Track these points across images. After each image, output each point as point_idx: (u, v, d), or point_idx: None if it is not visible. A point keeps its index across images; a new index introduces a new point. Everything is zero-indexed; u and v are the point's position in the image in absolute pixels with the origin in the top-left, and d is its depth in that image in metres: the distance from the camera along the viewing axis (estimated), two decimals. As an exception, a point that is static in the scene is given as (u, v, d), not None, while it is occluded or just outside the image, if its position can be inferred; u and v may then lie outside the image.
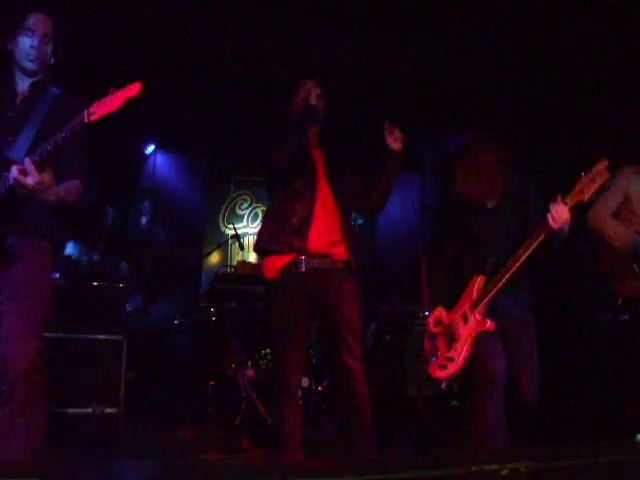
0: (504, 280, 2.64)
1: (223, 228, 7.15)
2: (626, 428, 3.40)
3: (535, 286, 2.95)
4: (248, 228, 7.22)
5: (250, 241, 7.17)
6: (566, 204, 2.61)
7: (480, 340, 2.67)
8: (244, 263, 5.88)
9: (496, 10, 4.28)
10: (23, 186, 2.11)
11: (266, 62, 5.20)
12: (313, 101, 2.79)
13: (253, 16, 4.62)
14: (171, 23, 4.68)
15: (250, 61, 5.17)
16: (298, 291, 2.68)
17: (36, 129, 2.31)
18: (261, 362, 4.36)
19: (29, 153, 2.20)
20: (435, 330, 2.80)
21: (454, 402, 4.71)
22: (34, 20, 2.37)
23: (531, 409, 2.75)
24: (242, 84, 5.47)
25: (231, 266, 6.61)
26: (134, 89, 2.05)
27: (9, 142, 2.28)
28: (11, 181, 2.12)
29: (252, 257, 7.05)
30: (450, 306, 2.79)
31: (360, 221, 7.15)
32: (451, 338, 2.72)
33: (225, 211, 7.20)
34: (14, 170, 2.11)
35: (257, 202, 7.30)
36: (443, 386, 2.74)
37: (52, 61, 2.45)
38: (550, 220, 2.58)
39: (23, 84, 2.42)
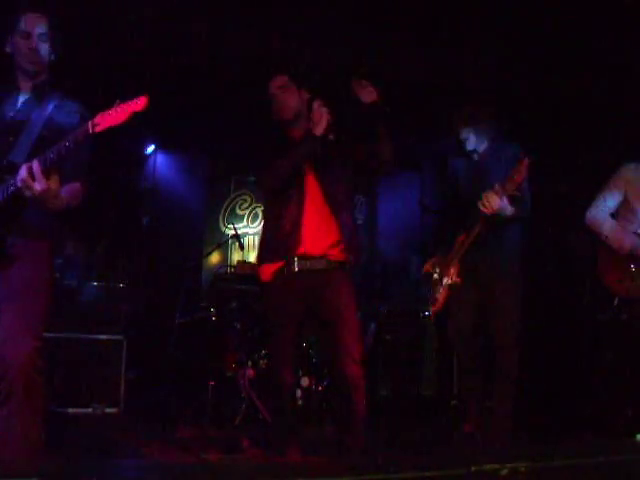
0: (465, 247, 3.18)
1: (223, 228, 7.14)
2: (626, 428, 3.40)
3: (535, 287, 3.03)
4: (248, 228, 7.22)
5: (250, 241, 7.17)
6: (497, 193, 2.98)
7: (454, 293, 3.23)
8: (244, 263, 5.88)
9: (497, 9, 4.27)
10: (30, 189, 2.10)
11: (267, 63, 5.19)
12: (320, 131, 2.70)
13: (254, 17, 4.62)
14: (171, 23, 4.68)
15: (251, 61, 5.16)
16: (290, 291, 2.69)
17: (36, 133, 2.31)
18: (261, 362, 4.35)
19: (29, 157, 2.20)
20: (430, 270, 3.39)
21: (454, 402, 4.71)
22: (28, 21, 2.34)
23: (507, 350, 3.17)
24: (243, 84, 5.47)
25: (231, 266, 6.60)
26: (140, 103, 2.09)
27: (10, 144, 2.28)
28: (18, 183, 2.12)
29: (252, 257, 7.05)
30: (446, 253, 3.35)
31: (360, 221, 7.17)
32: (440, 282, 3.31)
33: (225, 211, 7.19)
34: (23, 170, 2.10)
35: (257, 202, 7.29)
36: (431, 317, 3.73)
37: (52, 57, 2.43)
38: (481, 206, 3.00)
39: (25, 85, 2.41)
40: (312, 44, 4.88)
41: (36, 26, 2.35)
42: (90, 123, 2.11)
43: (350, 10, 4.46)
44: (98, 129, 2.10)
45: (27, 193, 2.12)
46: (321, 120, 2.70)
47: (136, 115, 2.08)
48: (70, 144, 2.11)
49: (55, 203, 2.20)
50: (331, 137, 2.76)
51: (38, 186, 2.09)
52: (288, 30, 4.77)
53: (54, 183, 2.14)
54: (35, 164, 2.10)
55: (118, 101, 2.10)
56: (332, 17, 4.59)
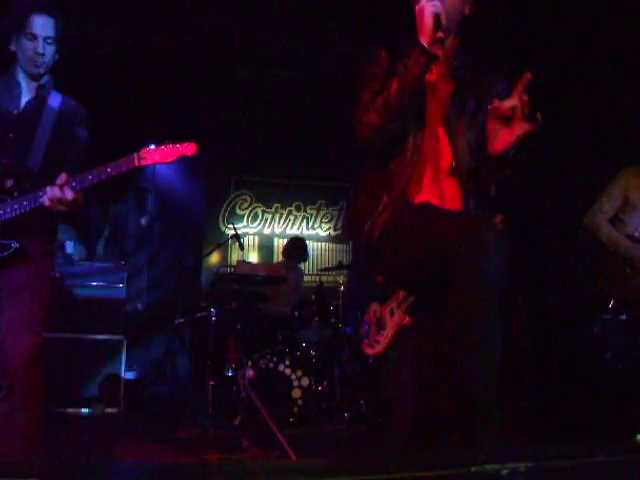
0: None
1: (223, 228, 7.15)
2: (626, 428, 3.41)
3: (535, 287, 2.99)
4: (248, 228, 7.22)
5: (250, 241, 7.17)
6: None
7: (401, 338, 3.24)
8: (244, 263, 5.88)
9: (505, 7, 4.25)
10: (62, 203, 2.15)
11: (267, 64, 5.20)
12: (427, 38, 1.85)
13: (255, 18, 4.62)
14: (173, 23, 4.69)
15: (252, 62, 5.17)
16: None
17: (47, 139, 2.33)
18: (261, 362, 4.35)
19: (43, 163, 2.28)
20: (371, 319, 3.43)
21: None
22: (36, 24, 2.31)
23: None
24: (243, 85, 5.48)
25: (231, 266, 6.61)
26: (190, 149, 2.16)
27: (22, 148, 2.30)
28: (46, 201, 2.14)
29: (252, 257, 7.06)
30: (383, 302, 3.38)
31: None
32: (380, 326, 3.36)
33: (225, 211, 7.20)
34: (56, 190, 2.14)
35: (257, 202, 7.30)
36: (371, 360, 3.97)
37: (56, 57, 2.41)
38: None
39: (28, 85, 2.41)
40: (314, 46, 4.88)
41: (44, 29, 2.31)
42: (136, 156, 2.16)
43: (351, 12, 4.44)
44: (143, 163, 2.16)
45: (59, 208, 2.16)
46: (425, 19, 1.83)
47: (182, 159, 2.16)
48: (112, 171, 2.15)
49: (69, 210, 2.24)
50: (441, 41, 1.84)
51: (69, 196, 2.14)
52: (290, 32, 4.76)
53: (75, 195, 2.18)
54: (66, 185, 2.14)
55: (168, 141, 2.17)
56: (333, 20, 4.58)
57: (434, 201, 1.98)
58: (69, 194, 2.14)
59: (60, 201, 2.14)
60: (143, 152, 2.16)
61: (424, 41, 1.84)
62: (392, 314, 3.30)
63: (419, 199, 1.96)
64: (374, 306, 3.48)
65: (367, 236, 1.95)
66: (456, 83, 2.04)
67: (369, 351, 3.44)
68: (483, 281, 1.65)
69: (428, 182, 2.00)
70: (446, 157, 2.01)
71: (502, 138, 1.83)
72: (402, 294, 3.27)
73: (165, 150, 2.16)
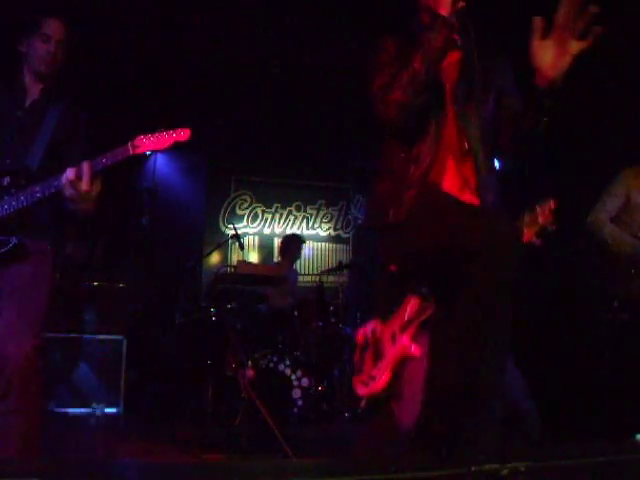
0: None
1: (223, 228, 7.15)
2: (626, 428, 3.41)
3: (535, 287, 2.98)
4: (248, 228, 7.22)
5: (250, 241, 7.17)
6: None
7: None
8: (244, 263, 5.88)
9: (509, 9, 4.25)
10: (75, 188, 2.12)
11: (267, 63, 5.20)
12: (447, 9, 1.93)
13: (253, 17, 4.62)
14: (171, 23, 4.68)
15: (251, 62, 5.17)
16: None
17: (48, 138, 2.35)
18: (261, 362, 4.35)
19: (42, 162, 2.29)
20: (368, 340, 2.38)
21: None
22: (51, 26, 2.40)
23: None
24: (243, 84, 5.48)
25: (231, 266, 6.61)
26: (185, 135, 2.18)
27: (23, 147, 2.32)
28: (64, 180, 2.13)
29: (252, 257, 7.06)
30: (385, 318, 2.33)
31: (360, 221, 7.16)
32: (378, 355, 2.34)
33: (225, 211, 7.20)
34: (70, 172, 2.12)
35: (257, 202, 7.30)
36: (362, 404, 2.25)
37: (62, 62, 2.47)
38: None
39: (33, 86, 2.45)
40: (313, 45, 4.88)
41: (58, 33, 2.41)
42: (130, 145, 2.16)
43: (351, 12, 4.44)
44: (138, 151, 2.15)
45: (69, 193, 2.14)
46: None
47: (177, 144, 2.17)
48: (107, 161, 2.15)
49: (89, 207, 2.24)
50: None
51: (85, 186, 2.12)
52: (288, 31, 4.76)
53: (96, 188, 2.17)
54: (85, 166, 2.12)
55: (162, 129, 2.18)
56: (332, 19, 4.58)
57: (456, 184, 2.00)
58: (86, 183, 2.12)
59: (74, 185, 2.11)
60: (137, 141, 2.16)
61: (444, 12, 1.88)
62: (393, 340, 2.25)
63: (442, 183, 1.98)
64: (374, 322, 2.34)
65: (393, 216, 1.95)
66: (463, 59, 2.06)
67: (361, 391, 2.28)
68: (497, 282, 1.66)
69: (450, 165, 2.02)
70: (462, 138, 2.03)
71: (554, 64, 1.81)
72: (409, 310, 2.15)
73: (159, 137, 2.17)
